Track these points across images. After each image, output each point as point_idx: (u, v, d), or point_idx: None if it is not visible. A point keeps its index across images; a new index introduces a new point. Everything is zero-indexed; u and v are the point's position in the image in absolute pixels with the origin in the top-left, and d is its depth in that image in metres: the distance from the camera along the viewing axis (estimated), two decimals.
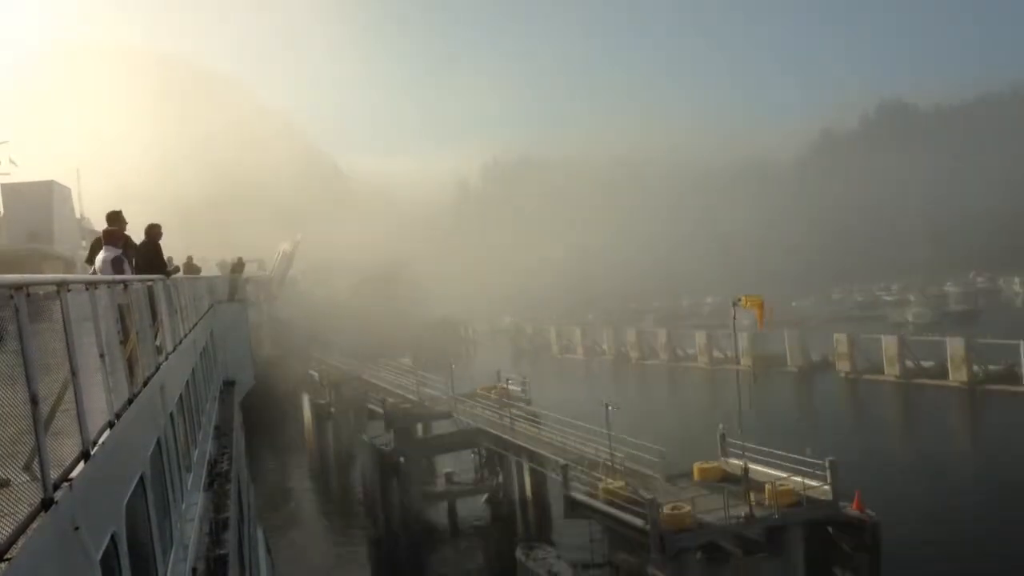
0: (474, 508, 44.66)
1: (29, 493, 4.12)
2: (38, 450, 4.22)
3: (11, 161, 32.01)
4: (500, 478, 43.31)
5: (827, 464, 26.53)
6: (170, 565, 8.61)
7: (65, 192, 35.07)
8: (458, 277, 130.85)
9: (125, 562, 5.81)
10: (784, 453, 27.73)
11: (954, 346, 72.80)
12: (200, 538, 11.32)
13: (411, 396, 50.30)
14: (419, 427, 49.06)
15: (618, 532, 28.14)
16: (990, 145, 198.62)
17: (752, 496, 26.42)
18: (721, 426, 30.10)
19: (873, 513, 26.66)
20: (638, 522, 26.06)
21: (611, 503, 27.73)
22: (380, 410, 49.32)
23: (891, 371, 75.69)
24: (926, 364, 75.21)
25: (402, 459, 45.96)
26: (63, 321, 5.17)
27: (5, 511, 3.83)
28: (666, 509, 26.15)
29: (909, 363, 75.31)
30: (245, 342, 29.53)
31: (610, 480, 29.38)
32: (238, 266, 32.30)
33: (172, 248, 25.39)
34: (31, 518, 3.96)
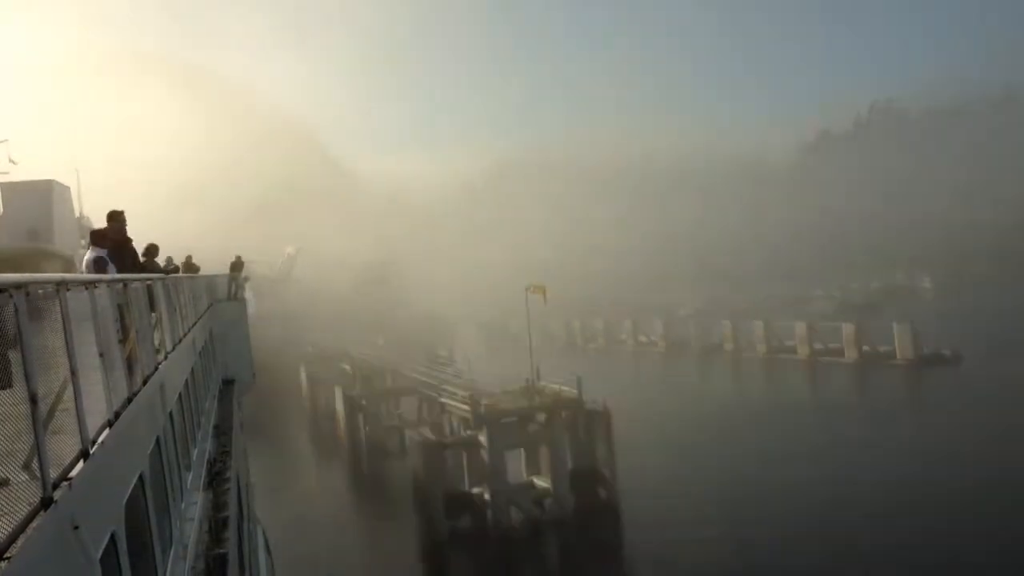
0: (416, 435, 61.27)
1: (29, 492, 4.12)
2: (37, 449, 4.22)
3: (11, 160, 31.97)
4: (434, 416, 61.14)
5: (577, 380, 50.65)
6: (170, 564, 8.61)
7: (65, 191, 35.03)
8: (450, 275, 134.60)
9: (125, 561, 5.81)
10: (569, 375, 51.60)
11: (800, 328, 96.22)
12: (200, 537, 11.33)
13: (377, 363, 73.45)
14: (388, 379, 70.06)
15: (464, 418, 51.69)
16: (975, 149, 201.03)
17: (537, 397, 50.83)
18: (538, 366, 51.65)
19: (610, 408, 50.28)
20: (467, 408, 50.56)
21: (462, 403, 51.68)
22: (350, 368, 74.54)
23: (760, 349, 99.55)
24: (788, 343, 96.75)
25: (364, 401, 68.17)
26: (63, 320, 5.17)
27: (5, 510, 3.83)
28: (484, 402, 49.99)
29: (774, 343, 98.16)
30: (245, 341, 29.44)
31: (463, 393, 52.32)
32: (237, 265, 32.22)
33: (180, 249, 25.45)
34: (31, 517, 3.96)
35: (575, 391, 50.15)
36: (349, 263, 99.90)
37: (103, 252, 11.45)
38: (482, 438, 48.98)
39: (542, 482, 50.59)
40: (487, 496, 48.86)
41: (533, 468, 51.79)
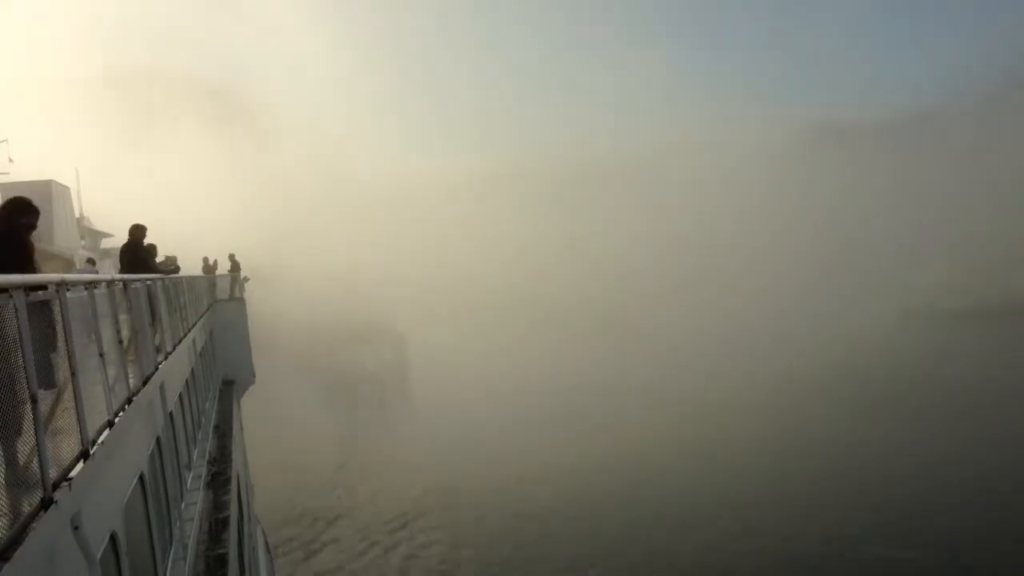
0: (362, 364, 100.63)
1: (29, 493, 4.12)
2: (38, 450, 4.21)
3: (9, 160, 31.98)
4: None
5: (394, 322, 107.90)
6: (170, 564, 8.61)
7: (65, 192, 35.07)
8: (418, 277, 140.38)
9: (125, 562, 5.82)
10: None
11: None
12: (200, 537, 11.33)
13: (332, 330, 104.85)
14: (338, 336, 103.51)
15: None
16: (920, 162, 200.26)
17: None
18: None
19: (402, 332, 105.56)
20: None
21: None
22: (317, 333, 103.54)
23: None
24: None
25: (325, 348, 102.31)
26: (63, 321, 5.17)
27: (5, 511, 3.82)
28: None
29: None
30: (244, 341, 29.38)
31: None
32: (235, 265, 32.16)
33: (186, 250, 25.43)
34: (31, 518, 3.95)
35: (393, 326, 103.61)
36: (336, 261, 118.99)
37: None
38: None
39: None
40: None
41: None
